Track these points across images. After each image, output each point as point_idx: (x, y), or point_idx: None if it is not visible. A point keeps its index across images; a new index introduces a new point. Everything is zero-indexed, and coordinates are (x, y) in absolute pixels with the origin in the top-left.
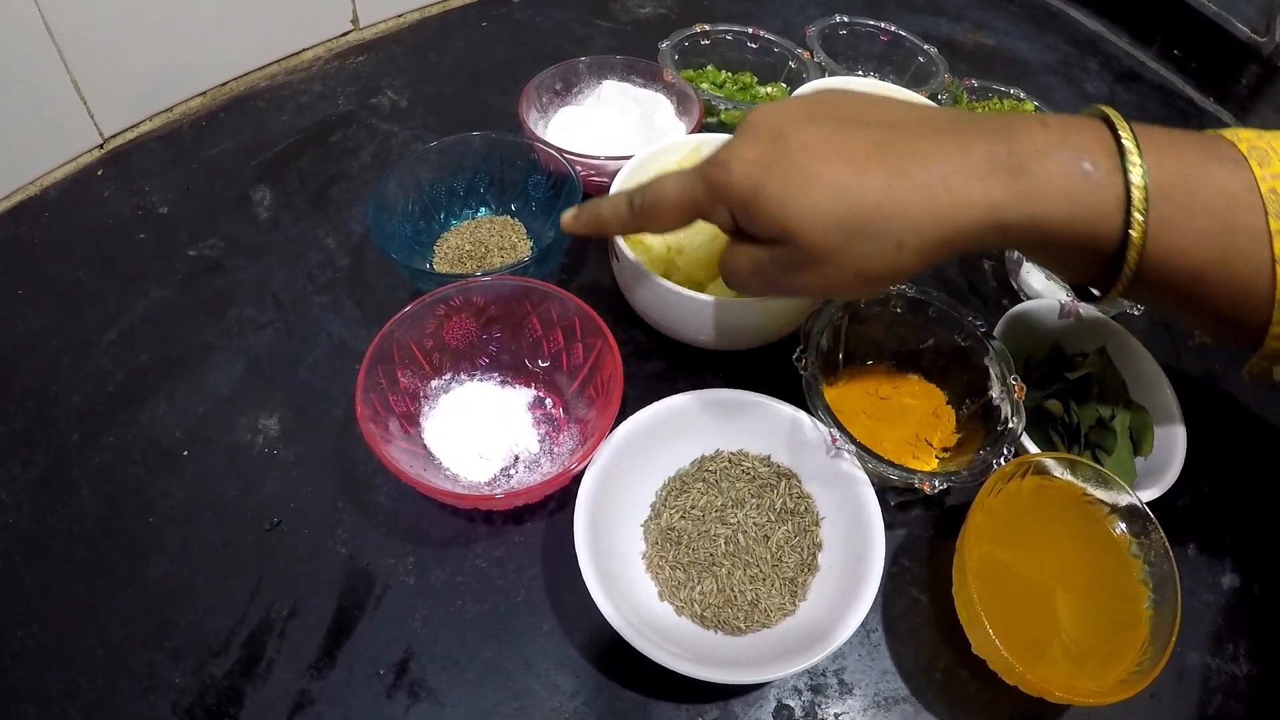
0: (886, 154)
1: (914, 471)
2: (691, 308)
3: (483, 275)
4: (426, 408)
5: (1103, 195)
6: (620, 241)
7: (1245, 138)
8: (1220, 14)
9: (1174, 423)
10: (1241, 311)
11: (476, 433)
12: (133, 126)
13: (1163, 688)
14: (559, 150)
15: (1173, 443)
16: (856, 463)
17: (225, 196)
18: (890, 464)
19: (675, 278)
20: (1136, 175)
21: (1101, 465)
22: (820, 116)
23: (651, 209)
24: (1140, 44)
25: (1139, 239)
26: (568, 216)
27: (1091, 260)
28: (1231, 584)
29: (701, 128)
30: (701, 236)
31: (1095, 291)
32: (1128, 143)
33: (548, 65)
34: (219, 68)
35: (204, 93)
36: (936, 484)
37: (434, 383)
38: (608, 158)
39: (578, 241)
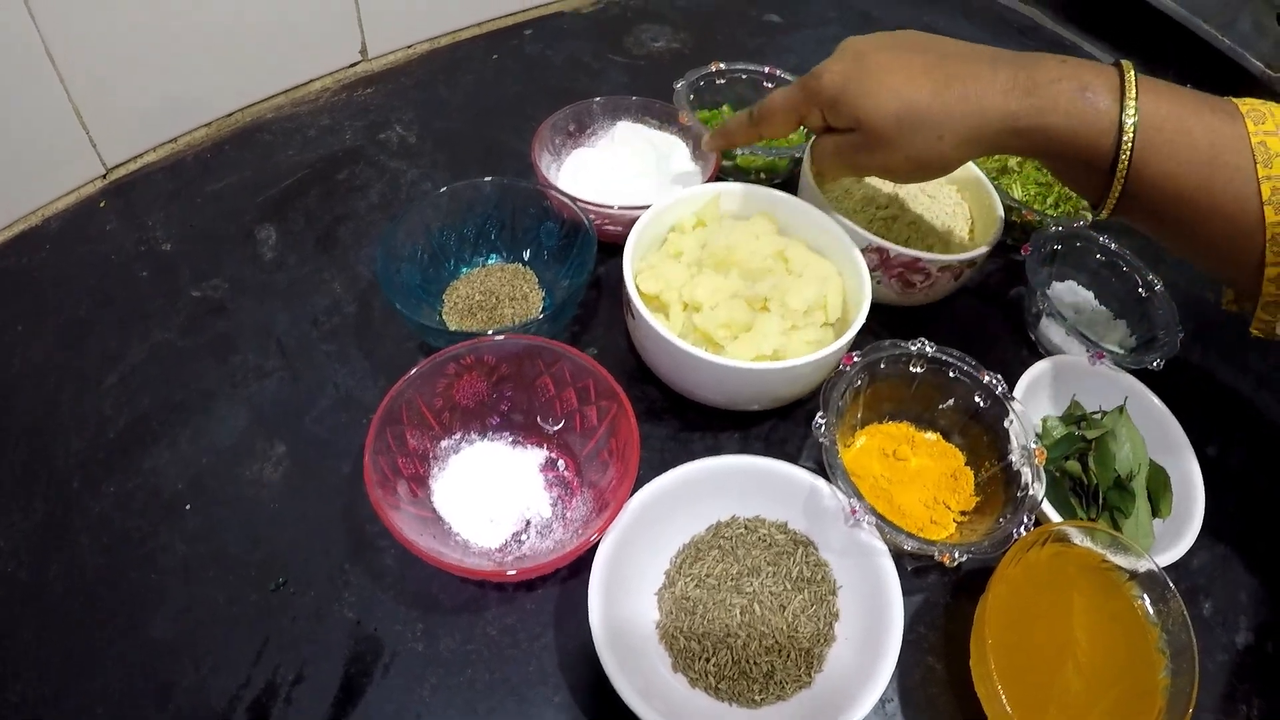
0: (937, 72)
1: (933, 543)
2: (708, 371)
3: (494, 333)
4: (436, 469)
5: (1098, 116)
6: (636, 300)
7: (1249, 102)
8: (1234, 48)
9: (1193, 482)
10: (1228, 246)
11: (487, 496)
12: (136, 157)
13: None
14: (572, 198)
15: (1191, 503)
16: (875, 533)
17: (229, 234)
18: (909, 535)
19: (691, 337)
20: (1130, 106)
21: (1120, 527)
22: (892, 45)
23: (765, 116)
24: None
25: (1126, 157)
26: (707, 139)
27: (1090, 172)
28: (1246, 642)
29: (719, 170)
30: (719, 295)
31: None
32: (1129, 82)
33: (559, 101)
34: (224, 98)
35: (209, 123)
36: (956, 555)
37: (444, 443)
38: (622, 207)
39: (592, 296)
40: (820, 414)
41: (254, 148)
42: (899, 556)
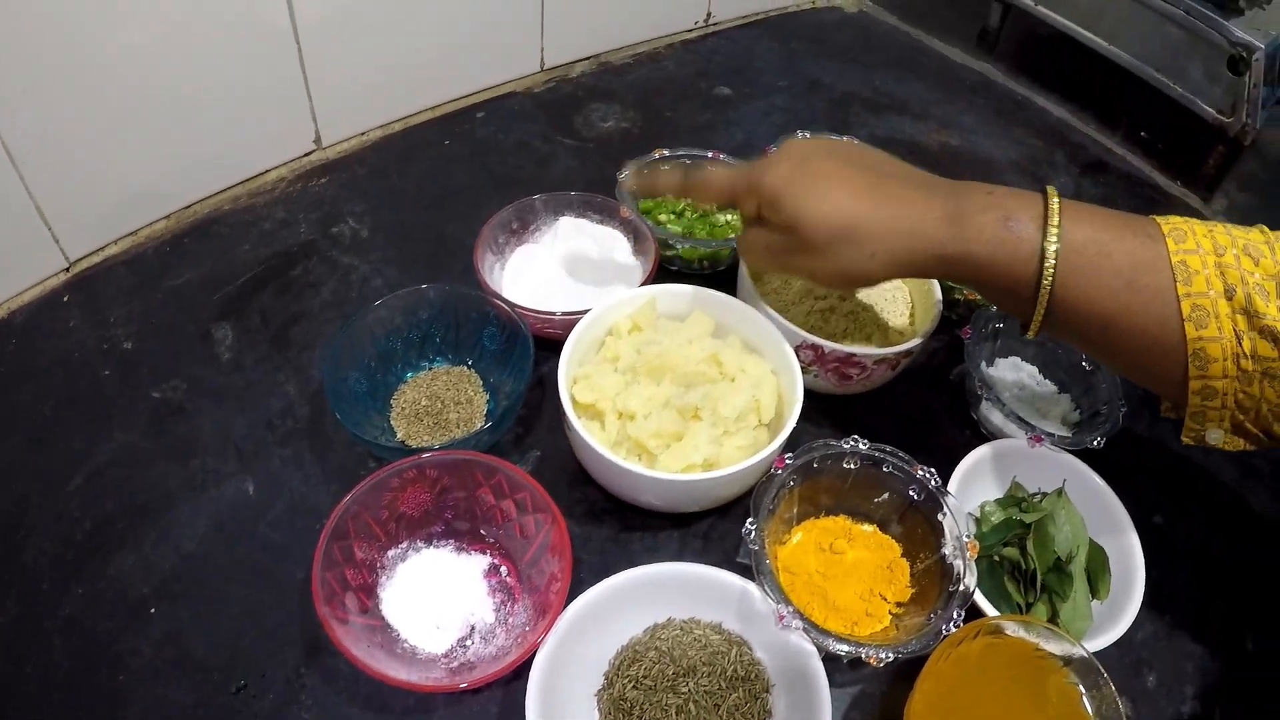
0: (876, 192)
1: (861, 644)
2: (639, 481)
3: (438, 448)
4: (384, 577)
5: (1020, 244)
6: (570, 413)
7: (1172, 220)
8: (1186, 95)
9: (1133, 561)
10: (1153, 362)
11: (433, 602)
12: (98, 250)
13: None
14: (510, 304)
15: (1131, 582)
16: (808, 636)
17: (188, 332)
18: (837, 638)
19: (625, 445)
20: (1053, 234)
21: (1058, 610)
22: (836, 154)
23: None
24: (1107, 129)
25: (1048, 283)
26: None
27: (1015, 296)
28: (1192, 711)
29: (659, 265)
30: (652, 404)
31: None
32: (1053, 210)
33: (508, 188)
34: (183, 190)
35: (169, 215)
36: (884, 656)
37: (391, 552)
38: (563, 313)
39: (537, 395)
40: (750, 520)
41: (212, 241)
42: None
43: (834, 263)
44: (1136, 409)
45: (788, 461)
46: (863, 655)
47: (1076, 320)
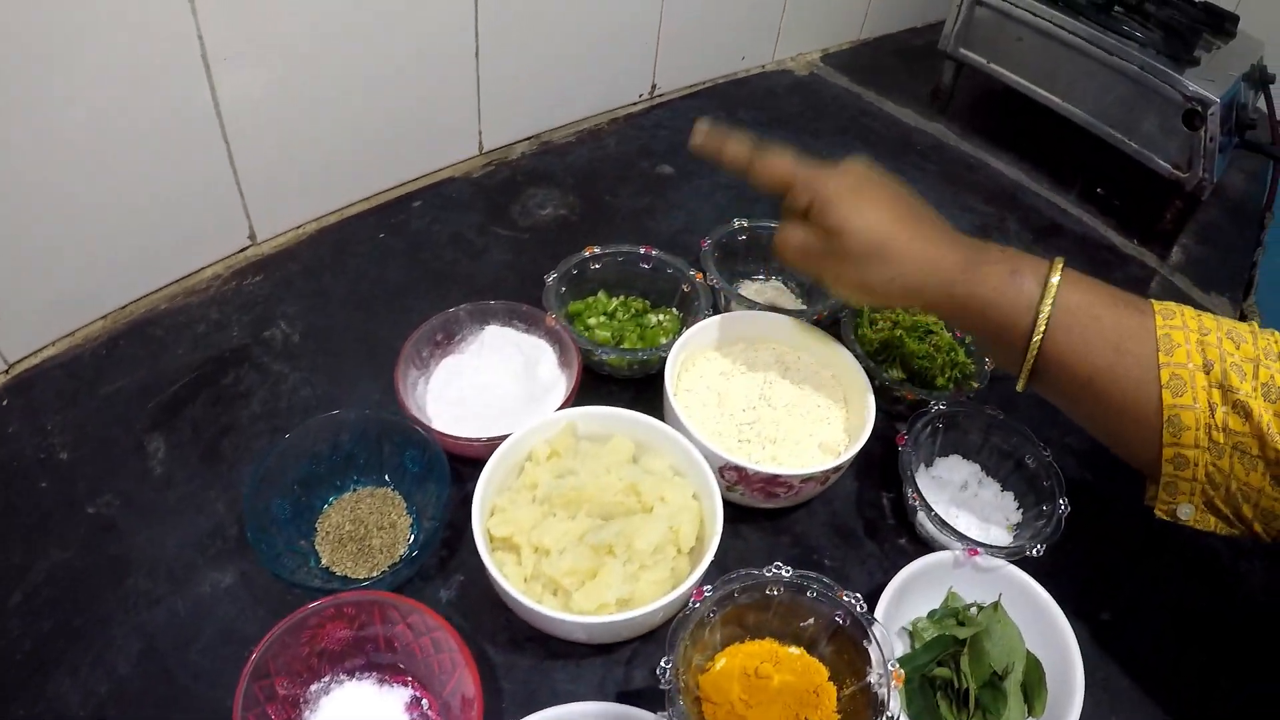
0: (911, 226)
1: None
2: (553, 623)
3: (354, 588)
4: (308, 712)
5: (1020, 295)
6: (483, 552)
7: (1164, 303)
8: (1141, 151)
9: (1073, 671)
10: (1130, 427)
11: None
12: (36, 351)
13: None
14: (427, 429)
15: (1070, 693)
16: None
17: (122, 444)
18: None
19: (540, 581)
20: (1050, 290)
21: None
22: (890, 186)
23: (764, 169)
24: (1061, 188)
25: (1038, 336)
26: (700, 133)
27: (1010, 346)
28: None
29: (588, 370)
30: (566, 539)
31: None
32: (1054, 270)
33: (440, 286)
34: (119, 290)
35: (105, 316)
36: None
37: (314, 687)
38: (479, 440)
39: (463, 515)
40: (665, 658)
41: (146, 344)
42: None
43: (860, 274)
44: (1090, 500)
45: (706, 594)
46: None
47: (1062, 376)
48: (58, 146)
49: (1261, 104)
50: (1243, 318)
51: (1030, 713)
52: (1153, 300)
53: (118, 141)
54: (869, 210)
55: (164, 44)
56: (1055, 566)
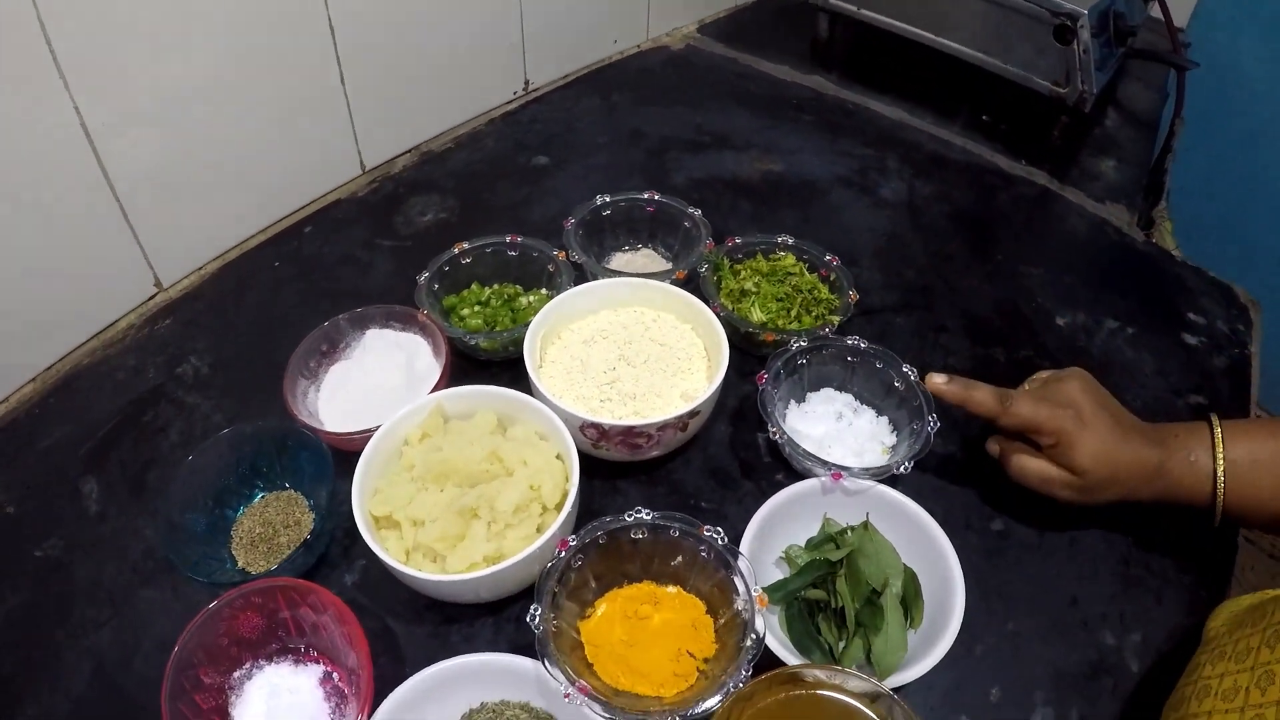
0: (1125, 448)
1: (645, 711)
2: (435, 587)
3: (258, 574)
4: (234, 698)
5: (1199, 474)
6: (362, 527)
7: None
8: (1019, 73)
9: (952, 579)
10: None
11: (278, 715)
12: None
13: None
14: (313, 430)
15: (950, 596)
16: (595, 710)
17: (60, 491)
18: (620, 711)
19: (419, 551)
20: (1220, 464)
21: (872, 645)
22: (1102, 406)
23: (1015, 412)
24: (945, 121)
25: (1221, 498)
26: (939, 381)
27: (1198, 507)
28: (1044, 718)
29: (461, 357)
30: (436, 509)
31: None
32: (1218, 441)
33: (334, 302)
34: (45, 352)
35: (34, 379)
36: None
37: (236, 674)
38: (358, 432)
39: (351, 525)
40: (534, 605)
41: (73, 397)
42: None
43: (1092, 497)
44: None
45: (571, 543)
46: None
47: (1245, 517)
48: None
49: (1157, 12)
50: (1151, 224)
51: (910, 624)
52: None
53: (17, 220)
54: (1100, 443)
55: (45, 122)
56: (943, 483)
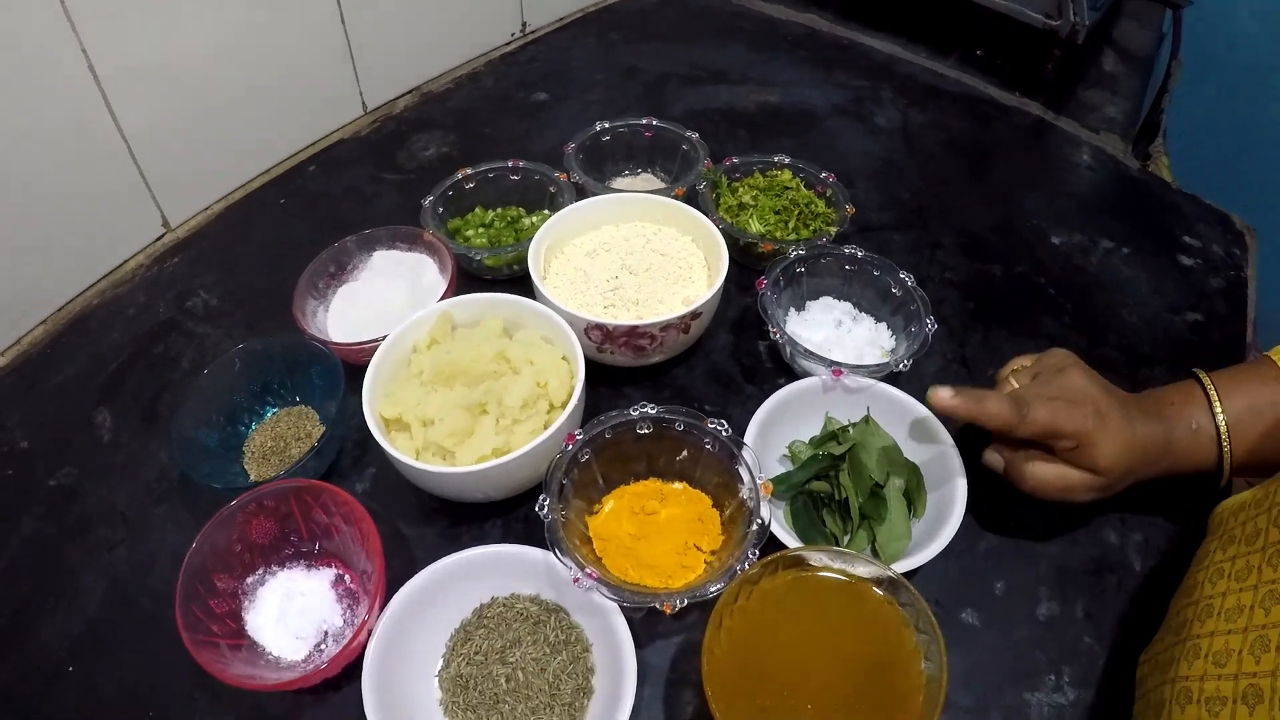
0: (1134, 432)
1: (654, 595)
2: (438, 478)
3: (268, 479)
4: (247, 602)
5: (1203, 439)
6: (373, 427)
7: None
8: (1012, 7)
9: (954, 471)
10: None
11: (291, 617)
12: None
13: None
14: (322, 342)
15: (952, 493)
16: (604, 594)
17: (73, 423)
18: (628, 592)
19: (429, 450)
20: (1221, 422)
21: (876, 535)
22: (1106, 392)
23: (1034, 420)
24: (939, 56)
25: (1228, 457)
26: (944, 395)
27: (1205, 472)
28: (1050, 613)
29: (466, 277)
30: (446, 407)
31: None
32: (1214, 398)
33: (340, 233)
34: (55, 293)
35: (44, 320)
36: (676, 603)
37: (249, 579)
38: (367, 342)
39: (365, 424)
40: (543, 495)
41: (85, 336)
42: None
43: (1111, 492)
44: (979, 311)
45: (578, 436)
46: (656, 605)
47: (1244, 469)
48: None
49: None
50: (1148, 158)
51: (913, 514)
52: (1272, 356)
53: (26, 158)
54: (1118, 436)
55: (54, 68)
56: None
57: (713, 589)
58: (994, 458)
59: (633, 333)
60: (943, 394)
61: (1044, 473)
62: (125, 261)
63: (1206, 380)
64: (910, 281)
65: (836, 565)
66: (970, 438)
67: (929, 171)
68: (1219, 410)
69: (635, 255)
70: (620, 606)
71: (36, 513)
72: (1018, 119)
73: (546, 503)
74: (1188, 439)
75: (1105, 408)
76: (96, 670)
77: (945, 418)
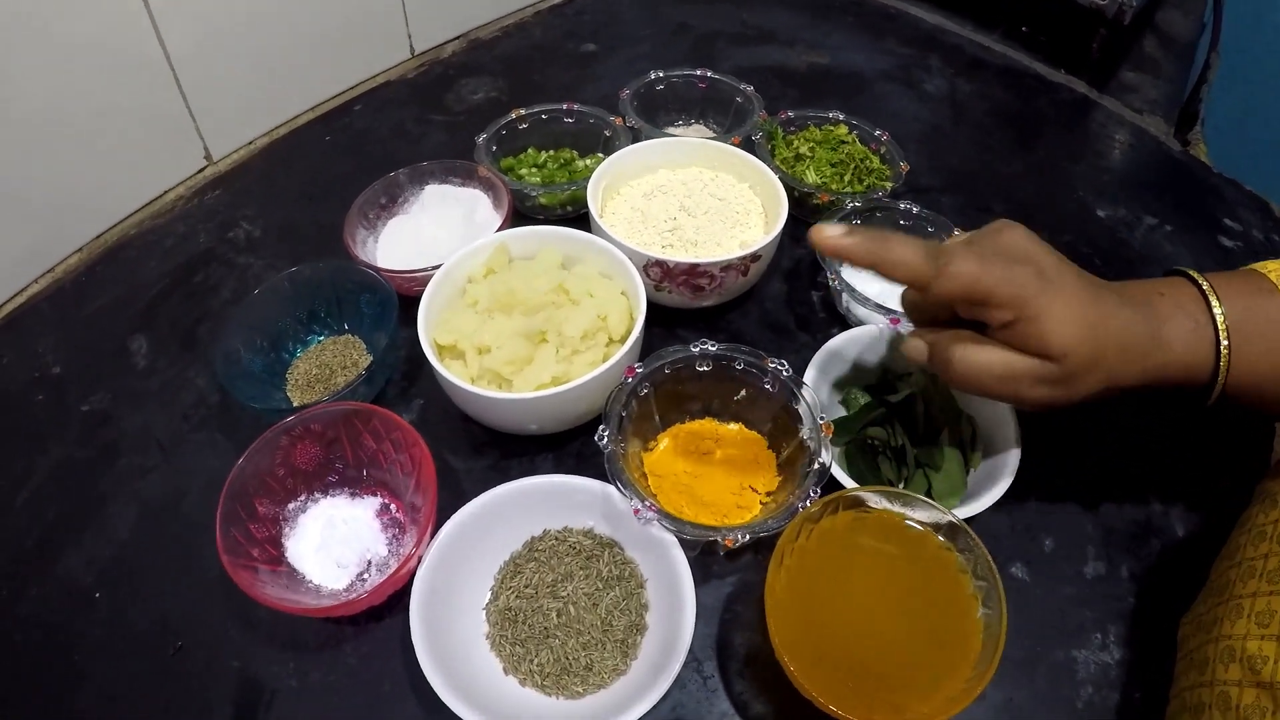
0: (1100, 309)
1: (715, 529)
2: (495, 405)
3: (315, 402)
4: (288, 529)
5: (1203, 342)
6: (429, 353)
7: (1272, 269)
8: None
9: (1007, 424)
10: None
11: (332, 545)
12: (20, 291)
13: (1028, 689)
14: (375, 269)
15: (1007, 446)
16: (664, 527)
17: (108, 349)
18: (689, 525)
19: (485, 378)
20: (1220, 321)
21: (932, 483)
22: (1060, 259)
23: (952, 275)
24: (984, 30)
25: (1225, 367)
26: (833, 231)
27: (1190, 387)
28: (1096, 572)
29: (514, 215)
30: (503, 335)
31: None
32: (1211, 297)
33: (385, 170)
34: (92, 222)
35: (81, 249)
36: (738, 537)
37: (291, 505)
38: (421, 270)
39: (418, 355)
40: (602, 426)
41: (121, 265)
42: (711, 544)
43: (1072, 390)
44: None
45: (638, 370)
46: (717, 538)
47: (1238, 388)
48: (16, 100)
49: None
50: (1187, 145)
51: (969, 465)
52: (1259, 269)
53: (72, 88)
54: (1077, 309)
55: None
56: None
57: (771, 524)
58: (914, 343)
59: (693, 271)
60: (830, 231)
61: (976, 357)
62: (165, 193)
63: (1199, 278)
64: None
65: (896, 508)
66: None
67: (976, 140)
68: (1218, 309)
69: (693, 198)
70: (679, 541)
71: (67, 438)
72: (1063, 95)
73: (606, 433)
74: (1187, 337)
75: (1056, 273)
76: (125, 598)
77: None
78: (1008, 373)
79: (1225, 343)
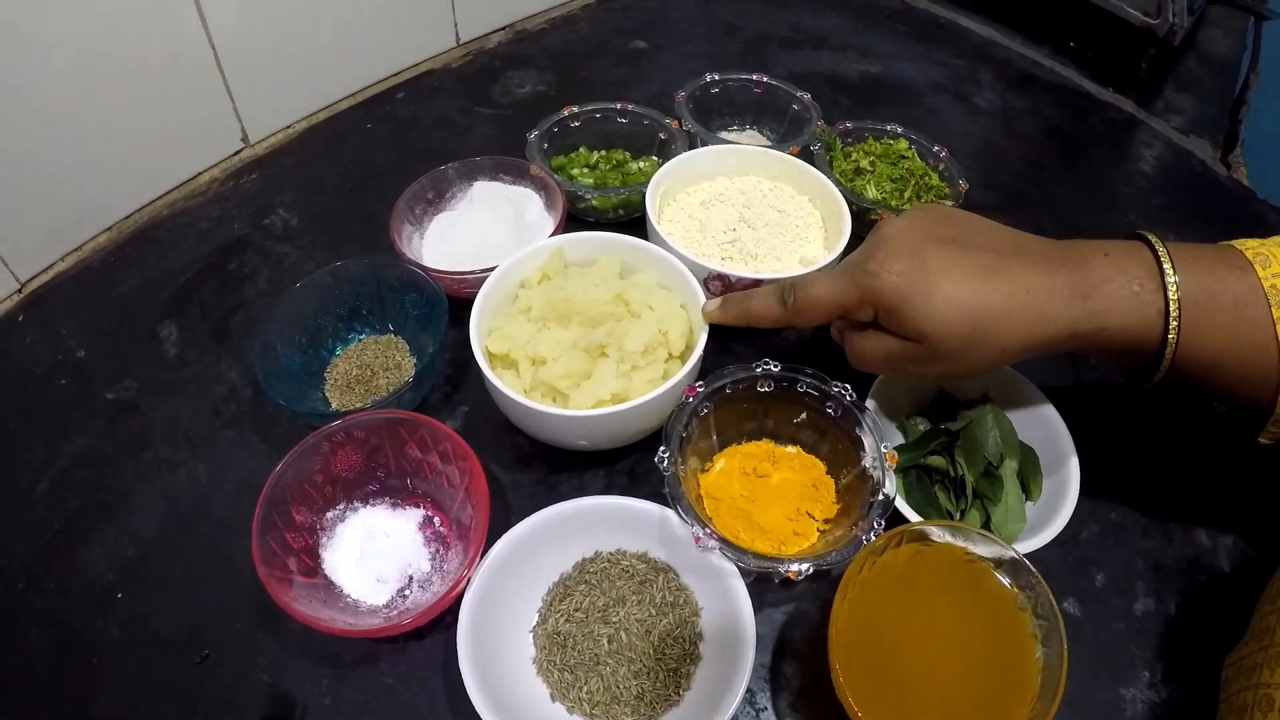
0: (998, 279)
1: (779, 560)
2: (551, 421)
3: (359, 408)
4: (324, 539)
5: (1147, 310)
6: (482, 362)
7: (1250, 246)
8: (1112, 2)
9: (1067, 458)
10: (1253, 386)
11: (372, 558)
12: (48, 269)
13: None
14: (424, 269)
15: (1066, 480)
16: (725, 555)
17: (136, 335)
18: (752, 555)
19: (539, 390)
20: (1173, 292)
21: (990, 515)
22: (946, 239)
23: (805, 308)
24: (1034, 44)
25: (1173, 340)
26: (710, 307)
27: (1139, 357)
28: (1145, 609)
29: (568, 218)
30: (560, 347)
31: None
32: (1165, 264)
33: (428, 163)
34: (122, 201)
35: (110, 228)
36: (801, 569)
37: (329, 514)
38: (473, 272)
39: (466, 355)
40: (662, 448)
41: (152, 247)
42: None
43: (965, 365)
44: None
45: (699, 389)
46: (781, 570)
47: (1192, 364)
48: (52, 72)
49: None
50: (1229, 167)
51: (1028, 498)
52: (1237, 245)
53: (109, 62)
54: (943, 295)
55: None
56: (1062, 368)
57: (835, 557)
58: (833, 331)
59: (756, 286)
60: (708, 307)
61: (863, 345)
62: (199, 174)
63: (1158, 244)
64: None
65: (959, 542)
66: (1083, 416)
67: (1029, 157)
68: (1171, 278)
69: (753, 209)
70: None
71: (91, 427)
72: (1112, 114)
73: (666, 455)
74: (1127, 302)
75: (937, 260)
76: (148, 600)
77: (1054, 408)
78: (887, 356)
79: (1175, 320)
